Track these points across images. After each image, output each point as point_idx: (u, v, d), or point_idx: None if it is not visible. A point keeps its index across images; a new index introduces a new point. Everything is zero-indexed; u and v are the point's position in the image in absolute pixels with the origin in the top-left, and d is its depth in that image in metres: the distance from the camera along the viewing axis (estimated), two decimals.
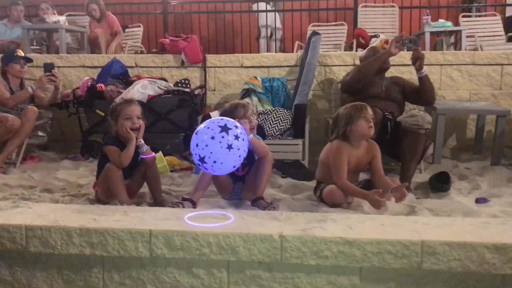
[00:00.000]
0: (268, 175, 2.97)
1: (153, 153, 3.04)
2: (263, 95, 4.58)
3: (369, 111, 3.01)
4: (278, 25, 7.50)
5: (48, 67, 4.45)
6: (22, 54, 4.61)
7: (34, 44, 6.27)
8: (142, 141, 2.98)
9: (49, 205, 2.54)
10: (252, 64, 5.03)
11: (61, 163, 4.32)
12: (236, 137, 2.50)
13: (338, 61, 4.95)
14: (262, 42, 7.29)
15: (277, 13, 7.41)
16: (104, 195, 2.97)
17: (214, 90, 5.13)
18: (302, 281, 2.07)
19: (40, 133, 4.63)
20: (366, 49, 4.59)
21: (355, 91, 3.93)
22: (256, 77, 4.75)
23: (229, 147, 2.47)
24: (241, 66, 5.08)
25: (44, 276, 2.24)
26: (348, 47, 6.71)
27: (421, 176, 3.75)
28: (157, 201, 3.00)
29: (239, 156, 2.54)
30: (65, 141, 5.03)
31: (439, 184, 3.40)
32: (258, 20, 7.33)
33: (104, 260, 2.18)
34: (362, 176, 3.31)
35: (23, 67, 4.49)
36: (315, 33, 5.01)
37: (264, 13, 7.02)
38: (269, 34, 7.26)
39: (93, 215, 2.30)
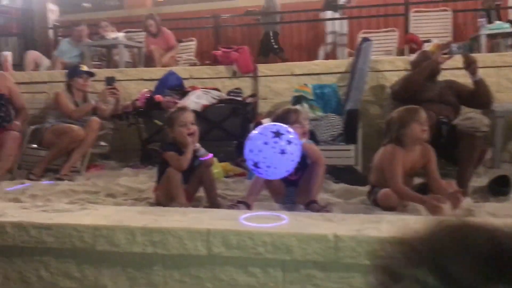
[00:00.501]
0: (321, 179, 3.01)
1: (211, 154, 3.15)
2: (314, 102, 4.62)
3: (423, 114, 2.98)
4: (343, 31, 7.56)
5: (109, 81, 4.71)
6: (86, 68, 4.90)
7: (95, 60, 6.62)
8: (198, 145, 3.10)
9: (114, 208, 2.70)
10: (302, 72, 5.09)
11: (122, 171, 4.53)
12: (289, 142, 2.56)
13: (390, 66, 4.92)
14: (322, 49, 7.40)
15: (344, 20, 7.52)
16: (164, 198, 3.10)
17: (265, 99, 5.21)
18: (357, 281, 2.09)
19: (102, 143, 4.87)
20: (416, 54, 4.55)
21: (406, 98, 3.90)
22: (306, 84, 4.80)
23: (282, 152, 2.53)
24: (292, 74, 5.14)
25: (110, 273, 2.37)
26: (400, 53, 6.63)
27: (480, 180, 3.64)
28: (213, 204, 3.10)
29: (292, 160, 2.61)
30: (125, 151, 5.26)
31: (499, 187, 3.30)
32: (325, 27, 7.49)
33: (165, 258, 2.29)
34: (417, 180, 3.27)
35: (86, 81, 4.76)
36: (366, 40, 5.01)
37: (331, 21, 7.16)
38: (332, 40, 7.39)
39: (154, 215, 2.42)
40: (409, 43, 6.61)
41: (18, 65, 7.04)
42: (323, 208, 2.83)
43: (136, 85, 5.53)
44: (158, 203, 3.14)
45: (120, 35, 6.59)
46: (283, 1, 7.93)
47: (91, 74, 4.87)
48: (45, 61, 7.25)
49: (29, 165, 4.52)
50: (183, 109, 3.20)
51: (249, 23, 8.34)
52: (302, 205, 2.97)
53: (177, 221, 2.33)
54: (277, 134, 2.57)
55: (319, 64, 5.18)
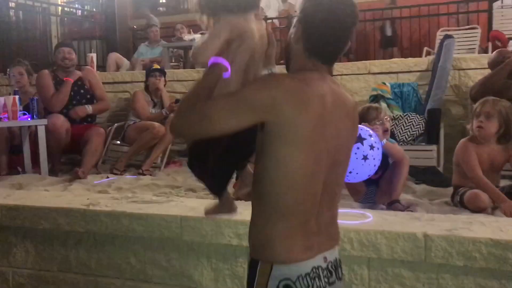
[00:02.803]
0: (404, 179, 2.93)
1: None
2: (392, 101, 4.50)
3: (487, 107, 2.85)
4: None
5: (179, 102, 4.89)
6: (157, 67, 5.10)
7: (173, 61, 6.85)
8: None
9: (199, 200, 2.78)
10: (380, 71, 4.98)
11: None
12: (371, 147, 2.54)
13: (474, 64, 4.69)
14: None
15: None
16: (245, 195, 3.14)
17: None
18: (447, 282, 2.01)
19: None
20: (493, 53, 4.33)
21: None
22: (384, 83, 4.69)
23: (365, 157, 2.52)
24: (369, 73, 5.05)
25: (195, 263, 2.44)
26: (483, 51, 6.31)
27: None
28: None
29: (374, 165, 2.59)
30: None
31: None
32: None
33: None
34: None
35: (157, 79, 4.94)
36: (447, 37, 4.83)
37: None
38: None
39: (240, 209, 2.46)
40: (494, 40, 6.28)
41: (101, 67, 7.44)
42: (407, 208, 2.75)
43: None
44: (238, 198, 3.19)
45: (197, 36, 6.76)
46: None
47: (162, 72, 5.05)
48: (126, 62, 7.62)
49: (113, 160, 4.76)
50: None
51: None
52: (383, 205, 2.91)
53: None
54: (359, 139, 2.55)
55: (398, 62, 5.04)
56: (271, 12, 7.99)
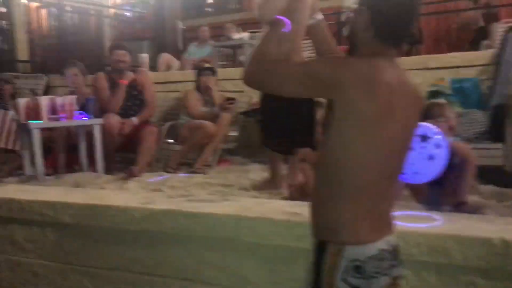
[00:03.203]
0: (471, 179, 2.75)
1: None
2: (452, 97, 4.28)
3: None
4: None
5: (230, 100, 4.88)
6: (208, 65, 5.08)
7: (222, 60, 6.85)
8: None
9: (254, 200, 2.72)
10: (438, 65, 4.76)
11: (250, 166, 4.61)
12: (437, 146, 2.40)
13: None
14: None
15: None
16: (299, 194, 3.06)
17: None
18: None
19: (230, 138, 5.02)
20: None
21: None
22: (443, 78, 4.47)
23: (431, 157, 2.38)
24: (426, 68, 4.83)
25: (252, 264, 2.38)
26: None
27: None
28: None
29: (441, 165, 2.45)
30: (251, 147, 5.35)
31: None
32: None
33: (309, 254, 2.23)
34: None
35: (208, 77, 4.93)
36: None
37: None
38: None
39: (298, 209, 2.38)
40: None
41: (152, 67, 7.55)
42: (476, 211, 2.58)
43: None
44: (292, 198, 3.12)
45: (245, 35, 6.74)
46: None
47: (212, 70, 5.03)
48: (176, 63, 7.70)
49: (166, 159, 4.80)
50: (320, 105, 3.14)
51: None
52: (449, 207, 2.74)
53: None
54: (424, 138, 2.42)
55: (457, 56, 4.80)
56: None
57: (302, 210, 2.35)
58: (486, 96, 4.25)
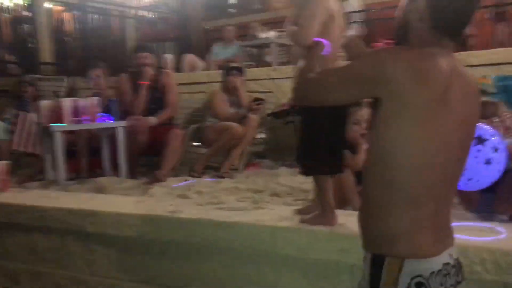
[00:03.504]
0: None
1: None
2: (497, 96, 4.00)
3: None
4: None
5: (257, 101, 4.65)
6: (236, 65, 4.88)
7: (248, 60, 6.66)
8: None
9: (291, 208, 2.51)
10: (479, 63, 4.47)
11: (279, 170, 4.40)
12: (495, 149, 2.15)
13: None
14: None
15: None
16: (336, 203, 2.83)
17: None
18: None
19: (262, 135, 4.82)
20: None
21: None
22: (485, 76, 4.19)
23: (487, 162, 2.13)
24: (467, 65, 4.54)
25: (290, 277, 2.18)
26: None
27: None
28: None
29: (498, 170, 2.20)
30: (280, 149, 5.15)
31: None
32: None
33: (354, 269, 2.01)
34: None
35: (235, 77, 4.73)
36: None
37: None
38: None
39: (339, 219, 2.16)
40: None
41: (176, 68, 7.42)
42: None
43: (290, 83, 5.39)
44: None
45: (272, 34, 6.54)
46: None
47: (239, 70, 4.84)
48: (200, 63, 7.55)
49: (191, 162, 4.62)
50: (359, 105, 2.92)
51: None
52: (505, 216, 2.49)
53: None
54: (480, 140, 2.17)
55: (500, 52, 4.51)
56: None
57: (345, 219, 2.13)
58: None
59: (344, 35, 1.96)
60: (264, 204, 2.60)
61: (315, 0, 1.93)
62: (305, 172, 2.22)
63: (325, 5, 1.95)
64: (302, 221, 2.13)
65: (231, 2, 11.84)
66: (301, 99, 1.53)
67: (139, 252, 2.53)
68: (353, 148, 2.82)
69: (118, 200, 2.91)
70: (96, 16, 7.82)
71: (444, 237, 1.28)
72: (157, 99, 4.63)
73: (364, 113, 2.84)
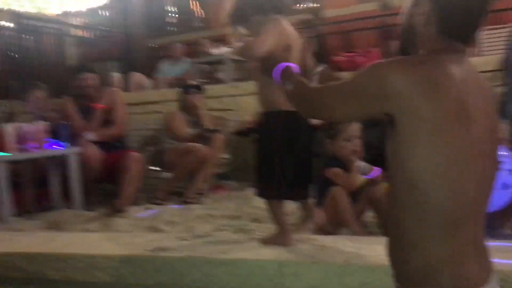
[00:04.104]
0: None
1: (377, 168, 2.67)
2: None
3: None
4: None
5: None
6: (193, 83, 4.61)
7: (200, 77, 6.38)
8: (358, 161, 2.64)
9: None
10: None
11: (247, 192, 4.13)
12: (510, 171, 2.04)
13: None
14: None
15: None
16: (329, 224, 2.62)
17: None
18: None
19: (221, 161, 4.54)
20: None
21: None
22: None
23: (505, 186, 2.01)
24: None
25: None
26: None
27: None
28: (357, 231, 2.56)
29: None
30: (244, 170, 4.89)
31: None
32: None
33: None
34: None
35: (194, 96, 4.46)
36: None
37: None
38: None
39: (354, 248, 1.93)
40: None
41: (122, 88, 7.00)
42: None
43: (251, 100, 5.15)
44: (321, 230, 2.67)
45: (225, 50, 6.31)
46: None
47: (198, 88, 4.57)
48: (147, 82, 7.18)
49: (150, 189, 4.26)
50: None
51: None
52: (510, 231, 2.38)
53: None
54: None
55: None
56: None
57: (364, 248, 1.91)
58: (502, 103, 3.98)
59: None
60: (251, 232, 2.33)
61: (272, 22, 1.98)
62: (258, 194, 2.22)
63: (282, 31, 1.99)
64: (263, 242, 1.94)
65: (169, 21, 11.52)
66: (306, 114, 1.47)
67: None
68: (345, 166, 2.64)
69: (84, 238, 2.52)
70: (31, 35, 7.23)
71: (488, 263, 1.16)
72: (109, 123, 4.26)
73: (354, 128, 2.67)
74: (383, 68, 1.12)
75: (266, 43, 1.90)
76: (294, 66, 1.63)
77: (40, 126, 3.60)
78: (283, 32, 2.00)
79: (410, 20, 1.23)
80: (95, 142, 3.98)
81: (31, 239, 2.56)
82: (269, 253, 1.97)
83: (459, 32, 1.17)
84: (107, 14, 9.56)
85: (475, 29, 1.19)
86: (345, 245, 1.97)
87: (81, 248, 2.27)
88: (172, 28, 11.42)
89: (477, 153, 1.12)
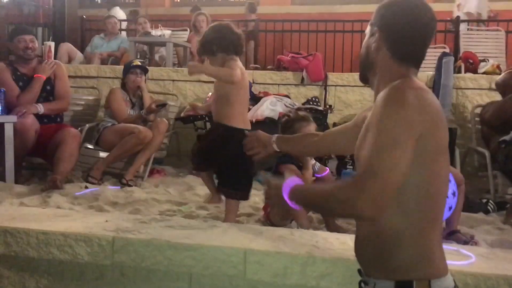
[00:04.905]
0: (461, 206, 2.69)
1: (327, 168, 2.84)
2: None
3: None
4: None
5: (161, 106, 4.32)
6: (139, 63, 4.52)
7: (138, 57, 6.22)
8: (314, 160, 2.79)
9: (256, 227, 2.34)
10: None
11: (186, 178, 4.15)
12: (454, 194, 2.28)
13: (473, 84, 4.66)
14: None
15: None
16: (279, 218, 2.75)
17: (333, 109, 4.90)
18: None
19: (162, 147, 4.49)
20: (503, 73, 4.31)
21: (498, 125, 3.73)
22: None
23: (453, 193, 2.25)
24: (365, 86, 4.82)
25: None
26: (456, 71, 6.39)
27: None
28: (331, 227, 2.75)
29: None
30: (179, 155, 4.89)
31: None
32: None
33: None
34: None
35: (138, 76, 4.37)
36: (446, 54, 4.76)
37: None
38: None
39: (316, 240, 2.06)
40: (466, 61, 6.39)
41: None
42: (472, 240, 2.51)
43: (192, 86, 5.17)
44: (269, 222, 2.79)
45: (167, 32, 6.21)
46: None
47: (143, 69, 4.49)
48: (79, 55, 6.86)
49: (85, 167, 4.12)
50: (307, 120, 2.87)
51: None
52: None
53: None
54: None
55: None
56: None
57: (322, 241, 2.05)
58: None
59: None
60: (218, 222, 2.38)
61: (234, 60, 2.67)
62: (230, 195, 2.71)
63: (242, 68, 2.70)
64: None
65: None
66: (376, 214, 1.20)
67: (71, 278, 2.12)
68: (299, 163, 2.76)
69: (33, 214, 2.40)
70: None
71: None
72: (47, 92, 4.06)
73: (312, 128, 2.80)
74: (402, 116, 1.19)
75: (238, 73, 2.60)
76: (296, 180, 1.47)
77: None
78: (242, 70, 2.69)
79: (367, 50, 1.38)
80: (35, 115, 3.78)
81: None
82: (234, 241, 2.04)
83: (410, 55, 1.32)
84: None
85: (424, 51, 1.34)
86: (306, 238, 2.09)
87: (33, 223, 2.18)
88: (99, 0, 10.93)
89: (448, 169, 1.33)
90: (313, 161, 2.84)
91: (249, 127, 2.74)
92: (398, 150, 1.17)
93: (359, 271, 1.41)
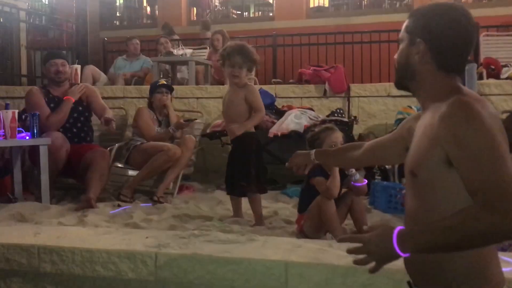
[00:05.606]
0: None
1: (366, 180, 2.84)
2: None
3: None
4: None
5: (189, 122, 4.42)
6: (164, 82, 4.61)
7: (161, 76, 6.33)
8: (354, 170, 2.79)
9: (288, 240, 2.36)
10: (400, 93, 4.79)
11: (215, 194, 4.20)
12: None
13: (498, 90, 4.64)
14: None
15: None
16: (313, 230, 2.76)
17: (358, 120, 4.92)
18: None
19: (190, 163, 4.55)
20: None
21: None
22: (410, 106, 4.51)
23: None
24: (388, 96, 4.86)
25: None
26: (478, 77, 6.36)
27: None
28: None
29: None
30: (206, 171, 4.95)
31: None
32: None
33: None
34: None
35: (164, 95, 4.46)
36: (469, 61, 4.75)
37: None
38: None
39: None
40: (487, 67, 6.35)
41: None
42: (510, 246, 2.49)
43: (216, 103, 5.24)
44: (303, 234, 2.81)
45: (188, 51, 6.32)
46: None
47: (169, 88, 4.57)
48: (103, 76, 7.01)
49: (116, 186, 4.20)
50: (332, 129, 2.90)
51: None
52: None
53: None
54: None
55: None
56: None
57: None
58: None
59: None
60: (254, 236, 2.41)
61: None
62: (240, 193, 3.21)
63: None
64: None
65: (117, 15, 11.25)
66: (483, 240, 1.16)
67: None
68: (329, 175, 2.77)
69: (76, 233, 2.47)
70: None
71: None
72: (79, 114, 4.18)
73: (338, 135, 2.82)
74: (490, 130, 1.17)
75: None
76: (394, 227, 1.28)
77: (13, 114, 3.44)
78: None
79: (407, 59, 1.32)
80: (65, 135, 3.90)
81: (11, 231, 2.48)
82: (274, 254, 2.07)
83: (456, 66, 1.29)
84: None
85: (467, 59, 1.33)
86: (345, 249, 2.10)
87: (77, 242, 2.24)
88: (118, 22, 11.18)
89: None
90: (353, 171, 2.83)
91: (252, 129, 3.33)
92: (506, 159, 1.15)
93: (408, 283, 1.37)
